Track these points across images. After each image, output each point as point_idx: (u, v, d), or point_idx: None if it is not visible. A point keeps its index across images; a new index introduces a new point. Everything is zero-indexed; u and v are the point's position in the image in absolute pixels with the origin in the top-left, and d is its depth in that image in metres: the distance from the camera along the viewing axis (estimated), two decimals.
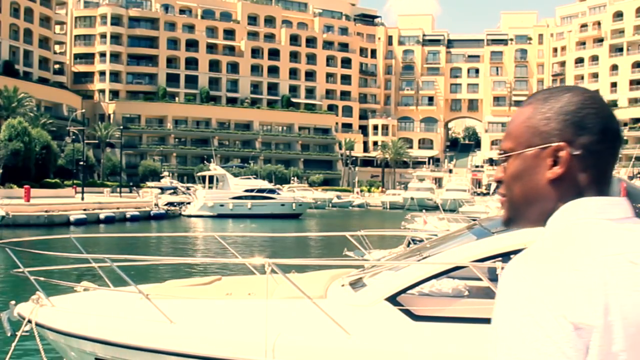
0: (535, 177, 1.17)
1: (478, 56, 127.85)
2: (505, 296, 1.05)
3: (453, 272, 4.95)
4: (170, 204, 58.66)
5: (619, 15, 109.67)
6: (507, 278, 1.07)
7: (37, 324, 5.54)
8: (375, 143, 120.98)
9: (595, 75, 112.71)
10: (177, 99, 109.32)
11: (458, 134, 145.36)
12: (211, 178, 58.20)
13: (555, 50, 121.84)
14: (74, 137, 60.93)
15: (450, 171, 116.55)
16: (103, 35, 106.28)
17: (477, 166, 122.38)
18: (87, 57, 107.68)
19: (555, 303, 1.01)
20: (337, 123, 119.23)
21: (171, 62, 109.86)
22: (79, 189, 54.19)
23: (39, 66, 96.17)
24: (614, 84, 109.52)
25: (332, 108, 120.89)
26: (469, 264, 4.54)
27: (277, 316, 4.66)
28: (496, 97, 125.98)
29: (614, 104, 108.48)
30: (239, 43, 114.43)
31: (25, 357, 8.11)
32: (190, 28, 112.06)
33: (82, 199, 48.85)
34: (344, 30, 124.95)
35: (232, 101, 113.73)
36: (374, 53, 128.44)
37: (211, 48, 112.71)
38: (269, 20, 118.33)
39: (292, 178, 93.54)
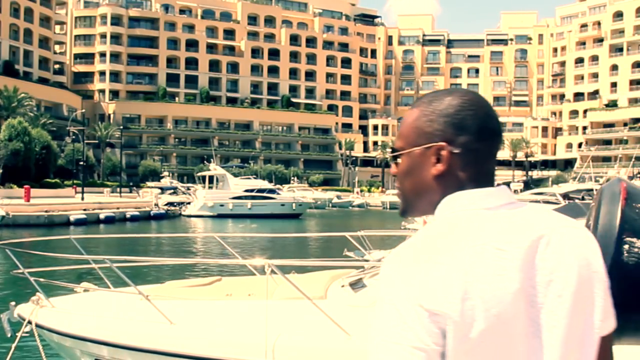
0: (422, 173, 1.29)
1: (478, 56, 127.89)
2: (380, 284, 1.18)
3: None
4: (170, 204, 58.68)
5: (619, 15, 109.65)
6: (383, 267, 1.19)
7: (37, 325, 5.54)
8: (375, 143, 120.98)
9: (595, 75, 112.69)
10: (177, 99, 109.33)
11: None
12: (211, 178, 58.21)
13: (555, 50, 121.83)
14: (74, 137, 60.94)
15: None
16: (103, 35, 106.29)
17: None
18: (87, 57, 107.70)
19: (413, 292, 1.12)
20: (337, 123, 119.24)
21: (171, 62, 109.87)
22: (79, 189, 54.21)
23: (39, 66, 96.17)
24: (614, 84, 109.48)
25: (332, 108, 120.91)
26: None
27: (277, 317, 4.66)
28: (496, 97, 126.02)
29: (614, 104, 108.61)
30: (239, 43, 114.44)
31: (26, 358, 8.11)
32: (190, 28, 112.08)
33: (82, 199, 48.87)
34: (344, 30, 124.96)
35: (232, 101, 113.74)
36: (374, 53, 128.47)
37: (211, 48, 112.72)
38: (269, 20, 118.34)
39: (292, 178, 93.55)
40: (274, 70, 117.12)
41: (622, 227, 1.68)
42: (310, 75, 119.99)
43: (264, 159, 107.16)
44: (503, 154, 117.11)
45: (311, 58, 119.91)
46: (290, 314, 4.78)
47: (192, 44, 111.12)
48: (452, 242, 1.17)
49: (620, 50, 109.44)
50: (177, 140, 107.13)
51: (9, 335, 5.73)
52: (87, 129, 76.42)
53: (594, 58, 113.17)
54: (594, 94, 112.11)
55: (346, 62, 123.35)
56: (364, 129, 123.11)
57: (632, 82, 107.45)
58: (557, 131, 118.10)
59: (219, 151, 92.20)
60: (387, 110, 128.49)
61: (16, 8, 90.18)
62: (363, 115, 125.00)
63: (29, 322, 5.56)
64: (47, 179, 58.48)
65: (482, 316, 1.12)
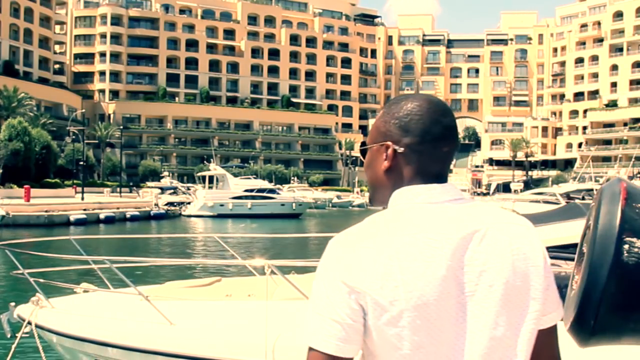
0: (377, 168, 1.47)
1: (478, 56, 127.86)
2: (320, 262, 1.35)
3: None
4: (170, 204, 58.68)
5: (619, 15, 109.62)
6: (326, 248, 1.36)
7: (37, 326, 5.54)
8: None
9: (595, 75, 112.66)
10: (177, 99, 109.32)
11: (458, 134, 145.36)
12: (211, 178, 58.20)
13: (555, 50, 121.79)
14: (74, 137, 60.94)
15: (450, 171, 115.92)
16: (103, 35, 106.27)
17: (477, 166, 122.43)
18: (87, 57, 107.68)
19: (339, 270, 1.29)
20: (337, 123, 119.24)
21: (171, 62, 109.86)
22: (79, 189, 54.21)
23: (39, 66, 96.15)
24: (614, 84, 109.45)
25: (332, 108, 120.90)
26: None
27: (277, 317, 4.66)
28: (496, 97, 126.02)
29: (614, 104, 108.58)
30: (239, 43, 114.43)
31: (26, 358, 8.10)
32: (190, 28, 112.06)
33: (82, 199, 48.87)
34: (344, 30, 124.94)
35: (232, 101, 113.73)
36: (374, 53, 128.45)
37: (211, 48, 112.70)
38: (269, 20, 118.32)
39: (292, 178, 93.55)
40: (274, 70, 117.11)
41: (622, 227, 1.68)
42: (310, 75, 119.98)
43: (264, 159, 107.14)
44: (503, 154, 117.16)
45: (311, 58, 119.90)
46: (290, 315, 4.77)
47: (192, 44, 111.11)
48: (385, 230, 1.31)
49: (620, 50, 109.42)
50: (177, 140, 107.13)
51: (8, 335, 5.73)
52: (87, 129, 76.42)
53: (594, 58, 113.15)
54: (594, 94, 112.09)
55: (346, 62, 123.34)
56: (364, 129, 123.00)
57: (632, 82, 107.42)
58: (557, 131, 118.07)
59: (219, 151, 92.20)
60: None
61: (16, 8, 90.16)
62: (363, 115, 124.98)
63: (29, 323, 5.55)
64: (47, 179, 58.48)
65: (405, 297, 1.25)
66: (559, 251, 4.03)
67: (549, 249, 4.09)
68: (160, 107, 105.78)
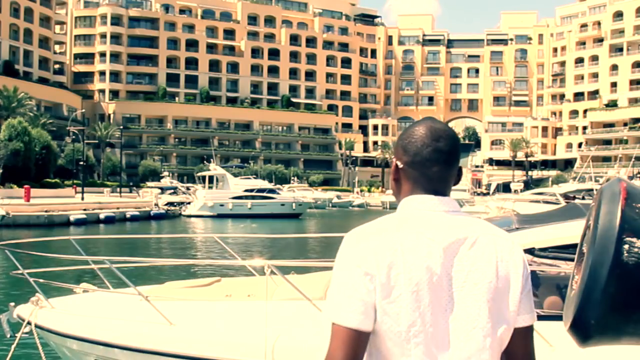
0: (391, 177, 1.82)
1: (478, 56, 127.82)
2: (339, 251, 1.65)
3: None
4: (170, 204, 58.67)
5: (619, 15, 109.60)
6: (343, 239, 1.66)
7: (36, 326, 5.53)
8: (375, 143, 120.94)
9: (595, 75, 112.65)
10: (177, 99, 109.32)
11: (458, 134, 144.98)
12: (211, 178, 58.21)
13: (555, 50, 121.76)
14: (74, 137, 60.95)
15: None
16: (103, 35, 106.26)
17: (477, 166, 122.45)
18: (87, 57, 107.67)
19: (355, 256, 1.59)
20: (337, 123, 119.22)
21: (171, 62, 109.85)
22: (79, 189, 54.21)
23: (39, 66, 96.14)
24: (614, 84, 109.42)
25: (332, 108, 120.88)
26: None
27: (277, 318, 4.65)
28: (496, 97, 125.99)
29: (614, 104, 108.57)
30: (239, 43, 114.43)
31: (25, 359, 8.10)
32: (190, 28, 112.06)
33: (82, 199, 48.88)
34: (344, 30, 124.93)
35: (232, 101, 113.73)
36: (374, 53, 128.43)
37: (211, 48, 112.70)
38: (269, 20, 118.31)
39: (292, 178, 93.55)
40: (274, 70, 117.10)
41: (622, 227, 1.68)
42: (310, 75, 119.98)
43: (264, 159, 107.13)
44: (503, 154, 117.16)
45: (311, 58, 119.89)
46: (289, 315, 4.76)
47: (192, 44, 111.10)
48: (393, 227, 1.63)
49: (620, 50, 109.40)
50: (177, 140, 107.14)
51: (8, 336, 5.72)
52: (87, 129, 76.42)
53: (594, 58, 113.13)
54: (594, 94, 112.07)
55: (346, 62, 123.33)
56: (364, 129, 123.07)
57: (632, 82, 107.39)
58: (557, 131, 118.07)
59: (219, 151, 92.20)
60: (387, 110, 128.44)
61: (16, 8, 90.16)
62: (363, 115, 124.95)
63: (29, 323, 5.55)
64: (47, 179, 58.49)
65: (404, 282, 1.56)
66: (559, 251, 4.02)
67: (549, 249, 4.09)
68: (160, 107, 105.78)
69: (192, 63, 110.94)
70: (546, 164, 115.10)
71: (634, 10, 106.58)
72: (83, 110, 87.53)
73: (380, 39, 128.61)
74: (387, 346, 1.58)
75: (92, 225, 40.51)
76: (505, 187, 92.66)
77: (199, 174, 65.49)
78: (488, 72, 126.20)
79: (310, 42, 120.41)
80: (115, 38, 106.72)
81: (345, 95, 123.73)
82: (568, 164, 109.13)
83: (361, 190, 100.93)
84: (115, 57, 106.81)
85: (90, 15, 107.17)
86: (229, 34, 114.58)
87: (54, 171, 62.85)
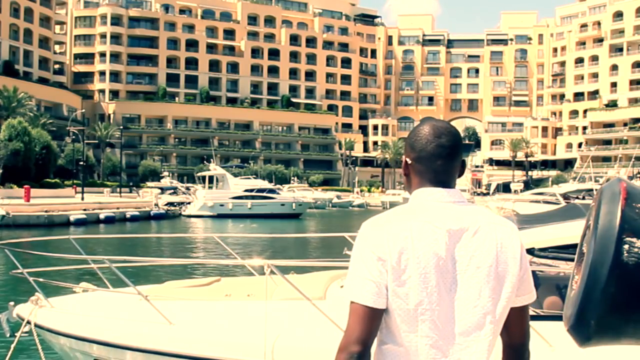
0: (402, 172, 2.02)
1: (478, 56, 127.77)
2: (356, 239, 1.84)
3: None
4: (170, 204, 58.63)
5: (619, 15, 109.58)
6: (360, 228, 1.85)
7: (36, 325, 5.53)
8: (375, 143, 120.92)
9: (595, 75, 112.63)
10: (177, 99, 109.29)
11: None
12: (211, 178, 58.18)
13: (555, 50, 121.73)
14: (74, 137, 60.94)
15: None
16: (103, 35, 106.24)
17: (477, 166, 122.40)
18: (87, 57, 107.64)
19: (370, 243, 1.78)
20: (337, 123, 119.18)
21: (171, 62, 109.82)
22: (79, 189, 54.19)
23: (39, 66, 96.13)
24: (614, 84, 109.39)
25: (332, 108, 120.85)
26: None
27: (277, 317, 4.65)
28: (496, 97, 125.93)
29: (614, 104, 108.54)
30: (239, 43, 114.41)
31: (25, 358, 8.10)
32: (190, 28, 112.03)
33: (82, 199, 48.85)
34: (344, 30, 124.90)
35: (232, 101, 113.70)
36: (374, 53, 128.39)
37: (211, 48, 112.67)
38: (269, 20, 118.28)
39: (292, 178, 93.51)
40: (274, 70, 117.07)
41: (622, 227, 1.68)
42: (310, 75, 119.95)
43: (264, 159, 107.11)
44: (503, 154, 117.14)
45: (311, 58, 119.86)
46: (289, 315, 4.76)
47: (192, 44, 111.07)
48: (404, 217, 1.82)
49: (620, 50, 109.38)
50: (177, 140, 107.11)
51: (8, 335, 5.72)
52: (87, 129, 76.41)
53: (594, 58, 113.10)
54: (594, 94, 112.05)
55: (346, 62, 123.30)
56: (364, 129, 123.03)
57: (632, 82, 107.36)
58: (557, 131, 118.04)
59: (219, 151, 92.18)
60: (387, 110, 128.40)
61: (16, 8, 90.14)
62: (363, 115, 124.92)
63: (28, 322, 5.54)
64: (47, 179, 58.46)
65: (413, 266, 1.75)
66: (559, 251, 4.02)
67: (549, 249, 4.08)
68: (160, 107, 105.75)
69: (192, 63, 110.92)
70: (546, 164, 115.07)
71: (634, 10, 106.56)
72: (83, 110, 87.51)
73: (380, 39, 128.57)
74: (397, 322, 1.77)
75: (92, 225, 40.50)
76: (505, 187, 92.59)
77: (199, 174, 65.44)
78: (488, 72, 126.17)
79: (310, 42, 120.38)
80: (115, 38, 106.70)
81: (345, 95, 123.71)
82: (568, 164, 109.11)
83: (361, 191, 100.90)
84: (115, 57, 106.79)
85: (90, 15, 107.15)
86: (229, 34, 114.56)
87: (54, 171, 62.82)
